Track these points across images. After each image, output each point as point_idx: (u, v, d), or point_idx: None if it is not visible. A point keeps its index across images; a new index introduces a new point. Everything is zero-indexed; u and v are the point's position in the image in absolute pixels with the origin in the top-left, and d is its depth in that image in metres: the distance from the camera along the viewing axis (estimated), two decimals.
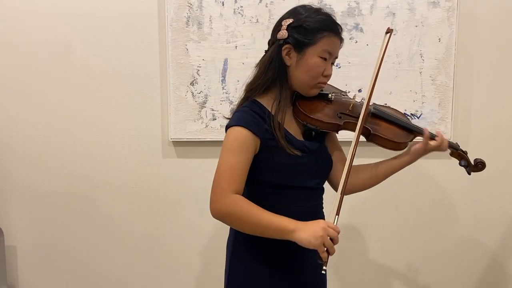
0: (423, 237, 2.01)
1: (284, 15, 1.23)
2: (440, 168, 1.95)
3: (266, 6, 1.87)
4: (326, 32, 1.18)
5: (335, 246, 1.07)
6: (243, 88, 1.27)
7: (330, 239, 1.05)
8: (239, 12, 1.89)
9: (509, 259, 2.02)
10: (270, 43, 1.25)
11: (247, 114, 1.19)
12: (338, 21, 1.89)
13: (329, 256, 1.06)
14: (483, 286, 2.03)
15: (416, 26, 1.87)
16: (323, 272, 1.05)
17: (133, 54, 1.94)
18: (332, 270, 2.03)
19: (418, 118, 1.91)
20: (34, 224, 2.04)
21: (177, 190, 2.00)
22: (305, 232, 1.06)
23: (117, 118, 1.98)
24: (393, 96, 1.90)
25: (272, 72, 1.20)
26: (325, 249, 1.05)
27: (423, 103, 1.91)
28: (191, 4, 1.89)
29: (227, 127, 1.21)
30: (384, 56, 1.25)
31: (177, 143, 1.98)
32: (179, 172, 1.99)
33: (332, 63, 1.24)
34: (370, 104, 1.28)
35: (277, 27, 1.22)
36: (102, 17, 1.93)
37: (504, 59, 1.91)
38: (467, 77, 1.92)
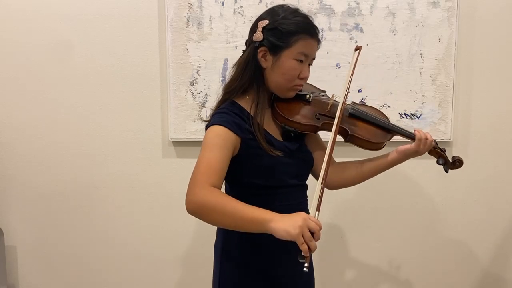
0: (422, 237, 2.01)
1: (262, 14, 1.23)
2: (439, 168, 1.95)
3: (266, 6, 1.86)
4: (301, 35, 1.17)
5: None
6: (221, 89, 1.27)
7: (311, 233, 0.98)
8: (239, 12, 1.89)
9: (509, 259, 2.02)
10: (247, 43, 1.24)
11: (226, 114, 1.18)
12: (338, 21, 1.90)
13: (311, 253, 0.98)
14: (484, 287, 2.03)
15: (416, 26, 1.87)
16: (305, 269, 0.97)
17: (133, 54, 1.94)
18: (326, 270, 2.03)
19: (418, 118, 1.91)
20: (34, 224, 2.04)
21: (177, 190, 1.98)
22: (283, 222, 0.98)
23: (117, 118, 1.98)
24: (393, 96, 1.90)
25: (248, 74, 1.20)
26: (304, 242, 0.97)
27: (423, 103, 1.91)
28: (191, 4, 1.89)
29: (206, 127, 1.20)
30: (354, 72, 1.27)
31: (177, 143, 1.98)
32: (179, 172, 1.99)
33: (310, 64, 1.23)
34: (349, 103, 1.30)
35: (254, 28, 1.22)
36: (102, 17, 1.93)
37: (504, 59, 1.91)
38: (467, 77, 1.92)
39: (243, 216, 1.03)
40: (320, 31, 1.24)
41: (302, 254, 0.98)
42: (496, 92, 1.92)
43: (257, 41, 1.19)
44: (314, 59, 1.24)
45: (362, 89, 1.90)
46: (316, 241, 0.99)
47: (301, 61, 1.19)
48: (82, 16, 1.93)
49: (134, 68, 1.95)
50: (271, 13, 1.21)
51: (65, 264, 2.06)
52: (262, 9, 1.82)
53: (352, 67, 1.27)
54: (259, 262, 1.24)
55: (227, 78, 1.26)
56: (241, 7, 1.88)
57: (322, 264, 2.00)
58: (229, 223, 1.06)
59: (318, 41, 1.22)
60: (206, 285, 2.05)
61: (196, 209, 1.06)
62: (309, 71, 1.23)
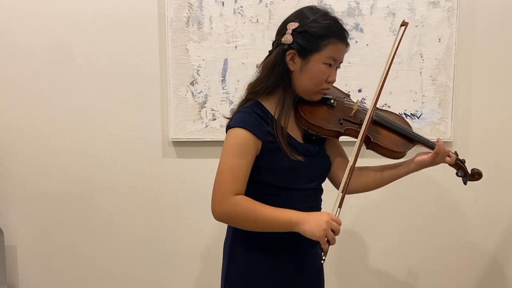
0: (424, 237, 2.01)
1: (290, 16, 1.21)
2: (440, 168, 1.94)
3: (266, 6, 1.87)
4: (331, 39, 1.16)
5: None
6: (245, 88, 1.25)
7: (332, 231, 1.09)
8: (239, 12, 1.89)
9: (510, 259, 2.02)
10: (275, 45, 1.22)
11: (249, 115, 1.17)
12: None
13: (329, 247, 1.11)
14: (485, 286, 2.03)
15: (416, 26, 1.87)
16: (322, 262, 1.11)
17: (133, 54, 1.94)
18: (334, 271, 2.03)
19: (418, 118, 1.91)
20: (34, 224, 2.04)
21: (177, 190, 2.00)
22: (309, 224, 1.09)
23: (117, 118, 1.98)
24: (393, 96, 1.90)
25: (275, 76, 1.19)
26: (327, 240, 1.09)
27: (423, 103, 1.91)
28: (191, 4, 1.89)
29: (227, 128, 1.20)
30: (397, 52, 1.23)
31: (177, 143, 1.98)
32: (179, 172, 1.99)
33: (337, 68, 1.23)
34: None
35: (282, 30, 1.20)
36: (102, 17, 1.93)
37: (504, 59, 1.91)
38: (467, 77, 1.92)
39: (272, 221, 1.13)
40: (350, 37, 1.23)
41: (322, 247, 1.10)
42: (496, 92, 1.92)
43: (286, 44, 1.17)
44: (341, 62, 1.23)
45: (362, 89, 1.90)
46: (336, 235, 1.11)
47: (330, 65, 1.18)
48: (82, 16, 1.93)
49: (134, 68, 1.95)
50: (301, 15, 1.19)
51: (65, 264, 2.06)
52: (262, 9, 1.86)
53: (396, 46, 1.22)
54: (266, 262, 1.24)
55: (252, 78, 1.24)
56: (241, 7, 1.88)
57: (331, 264, 2.00)
58: (258, 227, 1.16)
59: (347, 45, 1.21)
60: (207, 285, 2.06)
61: (225, 220, 1.16)
62: (336, 74, 1.22)
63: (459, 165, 1.33)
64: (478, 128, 1.94)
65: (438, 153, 1.27)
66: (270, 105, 1.21)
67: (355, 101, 1.31)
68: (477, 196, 1.98)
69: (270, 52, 1.23)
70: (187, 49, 1.91)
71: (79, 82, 1.97)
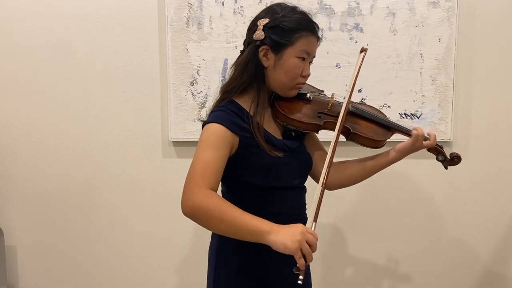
0: (424, 237, 2.01)
1: (260, 14, 1.21)
2: (439, 168, 1.95)
3: (266, 6, 1.86)
4: (303, 32, 1.16)
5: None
6: (219, 89, 1.25)
7: (309, 245, 0.98)
8: (239, 12, 1.89)
9: (509, 259, 2.02)
10: (246, 43, 1.22)
11: (225, 113, 1.16)
12: (338, 21, 1.91)
13: (307, 264, 0.99)
14: (485, 286, 2.03)
15: (416, 26, 1.87)
16: (299, 282, 0.95)
17: (133, 54, 1.94)
18: (327, 271, 2.03)
19: (418, 118, 1.91)
20: (34, 224, 2.04)
21: (177, 190, 1.97)
22: (281, 235, 0.98)
23: (117, 118, 1.98)
24: (393, 96, 1.90)
25: (248, 73, 1.18)
26: (302, 255, 0.98)
27: (423, 103, 1.91)
28: (191, 4, 1.89)
29: (203, 125, 1.18)
30: (359, 74, 1.26)
31: (177, 143, 1.98)
32: (179, 172, 1.99)
33: (310, 62, 1.23)
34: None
35: (253, 27, 1.20)
36: (102, 17, 1.93)
37: (504, 59, 1.91)
38: (467, 77, 1.92)
39: (241, 225, 1.02)
40: (320, 31, 1.24)
41: (298, 266, 0.97)
42: (496, 92, 1.93)
43: (258, 40, 1.17)
44: (314, 57, 1.23)
45: (362, 89, 1.90)
46: (312, 252, 0.99)
47: (303, 58, 1.18)
48: (82, 16, 1.93)
49: (134, 68, 1.95)
50: (270, 11, 1.19)
51: (65, 264, 2.06)
52: (262, 9, 1.85)
53: (357, 69, 1.26)
54: (256, 268, 1.22)
55: (226, 79, 1.24)
56: (241, 7, 1.88)
57: (323, 264, 2.00)
58: (225, 230, 1.05)
59: (318, 38, 1.21)
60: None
61: (192, 213, 1.05)
62: (310, 69, 1.22)
63: (438, 150, 1.36)
64: (478, 128, 1.94)
65: (418, 136, 1.27)
66: (245, 103, 1.20)
67: (329, 95, 1.32)
68: (477, 196, 1.98)
69: (242, 51, 1.23)
70: (187, 49, 1.91)
71: (79, 82, 1.97)
